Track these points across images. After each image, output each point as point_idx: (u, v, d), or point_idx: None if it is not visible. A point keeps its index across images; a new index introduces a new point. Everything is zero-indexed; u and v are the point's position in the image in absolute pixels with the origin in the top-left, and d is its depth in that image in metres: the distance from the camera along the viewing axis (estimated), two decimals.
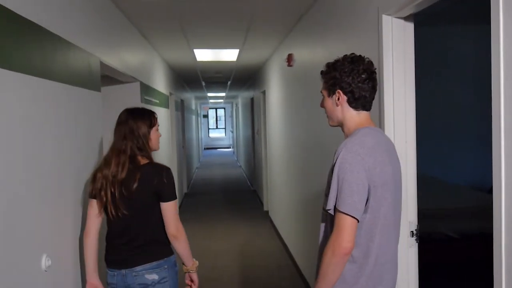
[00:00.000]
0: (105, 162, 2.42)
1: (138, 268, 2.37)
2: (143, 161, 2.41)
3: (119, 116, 2.51)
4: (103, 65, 3.28)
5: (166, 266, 2.42)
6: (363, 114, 1.85)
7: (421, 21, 2.56)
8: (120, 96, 4.54)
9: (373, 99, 1.86)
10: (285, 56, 5.26)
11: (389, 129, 2.36)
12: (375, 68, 1.85)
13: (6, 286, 1.75)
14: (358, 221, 1.68)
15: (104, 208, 2.40)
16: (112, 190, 2.35)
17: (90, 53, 2.92)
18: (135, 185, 2.33)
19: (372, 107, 2.36)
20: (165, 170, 2.40)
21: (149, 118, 2.50)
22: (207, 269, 5.33)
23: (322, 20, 3.74)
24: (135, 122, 2.44)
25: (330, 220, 1.79)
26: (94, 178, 2.42)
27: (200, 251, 6.04)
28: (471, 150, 6.37)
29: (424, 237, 2.57)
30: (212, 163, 18.01)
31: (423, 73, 3.20)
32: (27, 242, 1.94)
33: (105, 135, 3.13)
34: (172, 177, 2.43)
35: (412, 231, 2.38)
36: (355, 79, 1.79)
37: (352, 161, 1.68)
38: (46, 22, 2.19)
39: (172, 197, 2.38)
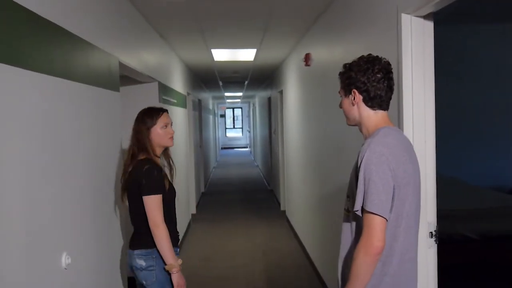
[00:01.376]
0: None
1: (133, 251, 2.59)
2: (141, 157, 2.60)
3: None
4: (122, 65, 3.31)
5: (154, 256, 2.54)
6: (380, 113, 1.86)
7: (441, 19, 2.54)
8: (139, 96, 4.58)
9: (389, 98, 1.88)
10: (303, 55, 5.25)
11: (408, 129, 2.34)
12: (392, 68, 1.87)
13: (28, 284, 1.78)
14: (386, 220, 1.69)
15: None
16: (121, 181, 2.68)
17: (109, 53, 2.96)
18: (126, 177, 2.61)
19: (391, 106, 2.35)
20: (147, 166, 2.53)
21: (148, 118, 2.65)
22: (223, 268, 5.35)
23: (340, 19, 3.72)
24: (136, 123, 2.67)
25: (357, 221, 1.82)
26: None
27: (217, 250, 6.06)
28: (491, 151, 6.28)
29: (443, 238, 2.54)
30: (229, 163, 18.06)
31: (443, 72, 3.17)
32: (48, 240, 1.97)
33: (124, 134, 3.16)
34: (152, 174, 2.52)
35: (431, 232, 2.36)
36: (370, 78, 1.81)
37: (377, 162, 1.70)
38: (66, 23, 2.22)
39: (148, 192, 2.50)
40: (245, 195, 10.52)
